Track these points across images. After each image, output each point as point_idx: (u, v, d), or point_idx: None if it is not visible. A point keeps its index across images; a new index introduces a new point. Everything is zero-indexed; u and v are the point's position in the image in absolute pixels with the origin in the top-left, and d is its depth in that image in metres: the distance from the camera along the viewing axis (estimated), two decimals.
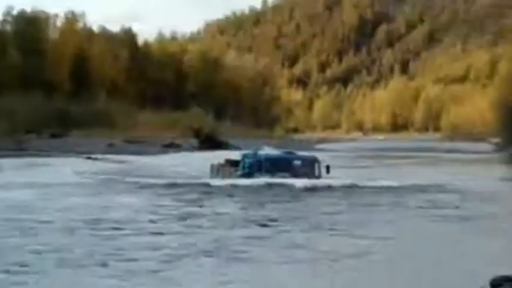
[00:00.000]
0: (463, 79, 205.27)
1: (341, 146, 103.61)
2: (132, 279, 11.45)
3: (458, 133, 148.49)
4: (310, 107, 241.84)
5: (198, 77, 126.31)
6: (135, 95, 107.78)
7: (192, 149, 72.50)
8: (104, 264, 12.55)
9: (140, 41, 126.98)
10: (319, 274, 12.23)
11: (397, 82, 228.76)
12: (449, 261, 13.59)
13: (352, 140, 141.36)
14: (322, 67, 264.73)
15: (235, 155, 34.02)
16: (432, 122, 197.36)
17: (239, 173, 29.97)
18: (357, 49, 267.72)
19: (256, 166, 29.33)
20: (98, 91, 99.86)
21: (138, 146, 68.84)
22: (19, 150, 57.05)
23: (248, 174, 29.25)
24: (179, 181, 30.24)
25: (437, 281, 11.94)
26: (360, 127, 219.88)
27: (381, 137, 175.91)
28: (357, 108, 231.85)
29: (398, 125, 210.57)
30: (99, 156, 54.28)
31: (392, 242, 15.92)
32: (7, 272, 11.78)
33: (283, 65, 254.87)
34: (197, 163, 44.71)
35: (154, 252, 13.68)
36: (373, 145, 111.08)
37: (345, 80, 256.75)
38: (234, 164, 31.30)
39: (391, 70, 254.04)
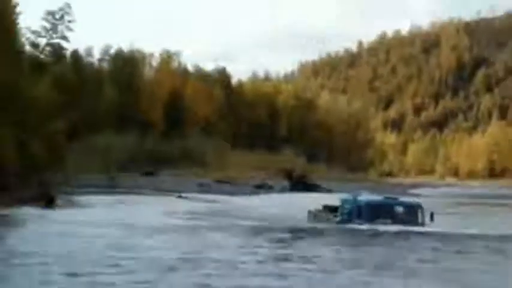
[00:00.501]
0: None
1: (435, 191, 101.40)
2: None
3: None
4: (404, 151, 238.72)
5: (291, 118, 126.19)
6: (227, 134, 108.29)
7: (283, 190, 72.14)
8: None
9: (234, 80, 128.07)
10: None
11: (495, 127, 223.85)
12: None
13: (447, 185, 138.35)
14: (418, 110, 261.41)
15: (333, 200, 33.32)
16: None
17: (338, 219, 28.94)
18: (454, 93, 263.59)
19: (356, 212, 28.10)
20: (191, 130, 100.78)
21: (229, 186, 68.91)
22: (111, 187, 57.85)
23: (347, 221, 28.13)
24: (276, 225, 29.68)
25: None
26: (455, 173, 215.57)
27: (475, 183, 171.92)
28: (452, 154, 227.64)
29: (495, 171, 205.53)
30: (189, 195, 54.48)
31: None
32: None
33: (377, 107, 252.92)
34: (290, 206, 44.29)
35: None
36: (468, 192, 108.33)
37: (440, 124, 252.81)
38: (332, 210, 30.30)
39: (489, 115, 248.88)
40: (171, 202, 47.61)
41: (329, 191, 73.30)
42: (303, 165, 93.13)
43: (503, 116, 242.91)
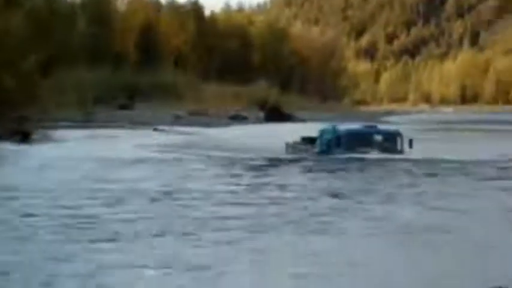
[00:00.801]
0: None
1: (409, 118, 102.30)
2: (216, 248, 11.54)
3: None
4: (377, 79, 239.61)
5: (264, 49, 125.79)
6: (201, 66, 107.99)
7: (257, 121, 72.51)
8: (188, 234, 12.59)
9: (206, 12, 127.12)
10: (398, 246, 12.10)
11: (466, 54, 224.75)
12: None
13: (420, 112, 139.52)
14: (390, 39, 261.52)
15: (308, 130, 33.53)
16: (502, 95, 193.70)
17: (317, 149, 28.71)
18: (426, 20, 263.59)
19: (334, 142, 27.78)
20: (165, 63, 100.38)
21: (204, 118, 69.14)
22: (87, 121, 57.82)
23: (326, 151, 27.90)
24: (253, 156, 29.69)
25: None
26: (427, 99, 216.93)
27: (449, 109, 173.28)
28: (424, 81, 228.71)
29: (466, 98, 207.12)
30: (165, 127, 54.68)
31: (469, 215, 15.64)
32: (94, 241, 11.93)
33: (350, 36, 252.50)
34: (266, 136, 44.61)
35: (236, 223, 13.78)
36: (441, 117, 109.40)
37: (412, 51, 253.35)
38: (310, 141, 30.01)
39: (461, 41, 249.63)
40: (147, 135, 47.80)
41: (303, 120, 73.81)
42: (276, 96, 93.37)
43: (474, 42, 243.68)
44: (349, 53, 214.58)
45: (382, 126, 31.68)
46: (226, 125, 64.17)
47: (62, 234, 12.46)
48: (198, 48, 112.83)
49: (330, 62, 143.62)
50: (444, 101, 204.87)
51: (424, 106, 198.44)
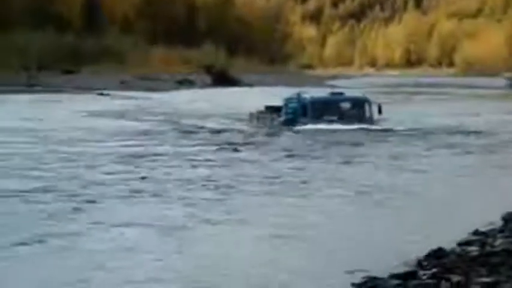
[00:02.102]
0: (477, 14, 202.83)
1: (354, 82, 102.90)
2: (191, 207, 11.94)
3: (472, 68, 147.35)
4: (323, 43, 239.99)
5: (210, 13, 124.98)
6: (146, 31, 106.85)
7: (204, 85, 72.29)
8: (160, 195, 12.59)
9: None
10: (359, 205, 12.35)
11: (410, 17, 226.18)
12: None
13: (365, 75, 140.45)
14: (335, 3, 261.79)
15: (258, 94, 33.49)
16: (446, 58, 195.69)
17: (282, 119, 27.88)
18: None
19: (300, 110, 27.07)
20: (110, 28, 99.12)
21: (150, 82, 68.69)
22: (30, 86, 57.01)
23: (292, 121, 27.14)
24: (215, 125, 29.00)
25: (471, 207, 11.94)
26: (372, 63, 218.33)
27: (393, 72, 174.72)
28: (370, 45, 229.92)
29: (411, 61, 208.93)
30: (111, 92, 54.23)
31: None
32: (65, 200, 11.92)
33: (296, 1, 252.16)
34: (216, 102, 44.58)
35: (207, 183, 14.18)
36: (386, 81, 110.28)
37: (358, 16, 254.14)
38: (275, 110, 29.11)
39: (405, 5, 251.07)
40: (92, 100, 47.33)
41: (250, 85, 73.89)
42: (223, 60, 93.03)
43: (418, 5, 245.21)
44: (295, 17, 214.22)
45: (349, 93, 30.90)
46: (173, 89, 63.90)
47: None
48: (144, 13, 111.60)
49: (276, 26, 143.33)
50: (389, 64, 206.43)
51: (369, 70, 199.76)
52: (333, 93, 29.33)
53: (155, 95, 53.56)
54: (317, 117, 26.60)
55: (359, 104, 27.80)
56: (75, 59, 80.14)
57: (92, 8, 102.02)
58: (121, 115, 33.64)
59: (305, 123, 26.45)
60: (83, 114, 33.73)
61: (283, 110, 28.16)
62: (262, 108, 30.44)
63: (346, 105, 27.68)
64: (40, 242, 9.70)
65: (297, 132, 25.69)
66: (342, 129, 25.43)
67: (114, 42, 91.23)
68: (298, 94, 28.27)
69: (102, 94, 52.68)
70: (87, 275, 8.45)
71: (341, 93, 29.78)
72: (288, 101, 28.26)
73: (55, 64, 73.88)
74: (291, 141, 23.63)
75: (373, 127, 26.12)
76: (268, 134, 25.69)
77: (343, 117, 26.80)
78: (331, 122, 26.37)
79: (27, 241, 9.66)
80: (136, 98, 49.46)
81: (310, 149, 21.25)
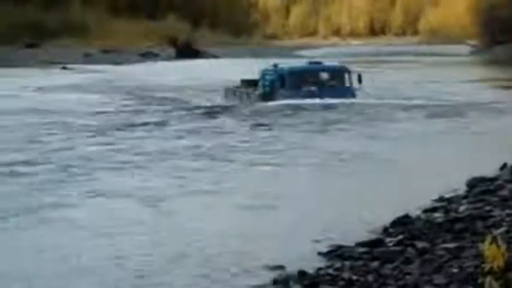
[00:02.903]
0: None
1: (321, 51, 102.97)
2: (176, 175, 12.36)
3: (436, 36, 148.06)
4: (287, 13, 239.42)
5: None
6: (109, 3, 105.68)
7: (169, 58, 71.95)
8: (133, 167, 13.16)
9: None
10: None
11: None
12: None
13: (331, 45, 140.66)
14: None
15: (224, 66, 33.32)
16: (410, 26, 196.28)
17: (259, 92, 26.90)
18: None
19: (278, 82, 26.14)
20: (72, 0, 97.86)
21: (114, 55, 68.22)
22: None
23: (270, 93, 26.20)
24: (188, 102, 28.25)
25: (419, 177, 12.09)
26: (337, 33, 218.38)
27: (358, 41, 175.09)
28: (334, 14, 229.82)
29: (375, 30, 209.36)
30: (75, 66, 53.79)
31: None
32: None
33: None
34: (184, 73, 44.46)
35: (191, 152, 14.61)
36: (352, 50, 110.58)
37: None
38: (251, 83, 28.11)
39: None
40: (55, 74, 46.90)
41: (216, 56, 73.72)
42: (187, 32, 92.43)
43: None
44: None
45: (328, 63, 29.65)
46: (138, 62, 63.55)
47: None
48: None
49: None
50: (354, 33, 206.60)
51: (334, 39, 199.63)
52: (311, 63, 28.69)
53: (120, 68, 53.30)
54: (296, 88, 25.89)
55: (339, 73, 27.01)
56: (37, 33, 79.13)
57: None
58: (86, 89, 33.41)
59: (284, 95, 25.72)
60: (46, 89, 33.44)
61: (260, 83, 27.22)
62: (235, 81, 29.52)
63: (325, 75, 26.82)
64: (22, 214, 9.85)
65: (275, 107, 24.86)
66: (319, 104, 24.79)
67: (77, 15, 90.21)
68: (275, 65, 27.33)
69: (65, 68, 52.25)
70: (65, 246, 8.66)
71: (319, 63, 28.82)
72: (264, 73, 27.35)
73: (16, 38, 72.91)
74: (268, 115, 23.12)
75: (349, 100, 25.34)
76: (245, 109, 25.02)
77: (322, 86, 26.09)
78: (310, 93, 25.61)
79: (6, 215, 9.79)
80: (100, 72, 49.12)
81: (286, 122, 21.23)
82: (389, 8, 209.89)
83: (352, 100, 25.43)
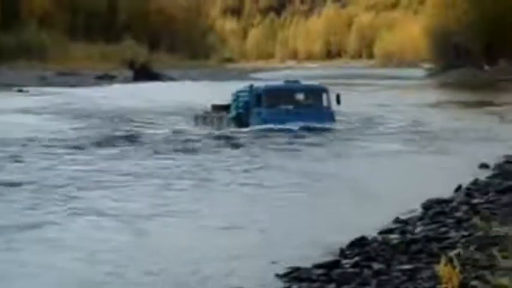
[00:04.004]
0: (394, 5, 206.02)
1: (276, 74, 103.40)
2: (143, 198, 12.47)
3: (391, 59, 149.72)
4: (244, 36, 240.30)
5: (130, 7, 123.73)
6: (66, 26, 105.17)
7: (126, 80, 71.68)
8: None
9: None
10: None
11: (330, 10, 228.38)
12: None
13: (287, 68, 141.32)
14: None
15: (181, 88, 33.15)
16: (365, 49, 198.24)
17: (232, 114, 26.00)
18: None
19: (254, 101, 25.14)
20: (28, 22, 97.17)
21: (71, 78, 67.79)
22: None
23: (244, 115, 25.30)
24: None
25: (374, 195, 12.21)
26: (294, 56, 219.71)
27: (314, 64, 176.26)
28: (290, 37, 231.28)
29: (331, 53, 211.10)
30: (31, 89, 53.28)
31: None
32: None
33: None
34: (139, 95, 44.25)
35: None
36: (308, 73, 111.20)
37: (278, 9, 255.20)
38: (223, 108, 27.15)
39: None
40: (10, 97, 46.39)
41: (173, 79, 73.69)
42: (145, 55, 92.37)
43: None
44: (216, 11, 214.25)
45: (306, 82, 28.68)
46: (94, 85, 63.23)
47: None
48: (64, 7, 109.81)
49: (197, 20, 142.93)
50: (310, 57, 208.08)
51: (291, 62, 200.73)
52: (287, 81, 27.69)
53: (76, 91, 52.93)
54: (272, 107, 24.89)
55: (316, 93, 26.09)
56: None
57: (8, 2, 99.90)
58: (41, 112, 33.07)
59: (259, 114, 24.77)
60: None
61: (233, 105, 26.28)
62: (208, 108, 28.31)
63: (302, 94, 25.93)
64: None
65: (248, 132, 23.95)
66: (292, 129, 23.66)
67: (33, 38, 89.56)
68: (251, 85, 26.34)
69: (21, 91, 51.74)
70: (39, 265, 8.78)
71: (297, 82, 27.74)
72: (238, 94, 26.48)
73: None
74: (241, 140, 22.32)
75: (324, 125, 24.34)
76: (217, 135, 23.79)
77: (298, 106, 25.20)
78: (287, 112, 24.60)
79: None
80: (56, 94, 48.73)
81: (258, 145, 21.07)
82: (345, 31, 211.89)
83: (327, 125, 24.55)
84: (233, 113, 26.07)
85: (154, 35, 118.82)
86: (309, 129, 23.60)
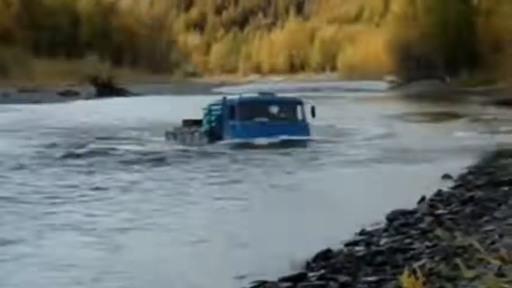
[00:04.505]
0: (356, 18, 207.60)
1: (239, 89, 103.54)
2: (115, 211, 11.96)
3: (354, 72, 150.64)
4: (207, 51, 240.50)
5: (93, 23, 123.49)
6: (28, 43, 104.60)
7: (90, 96, 71.34)
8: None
9: None
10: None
11: (292, 23, 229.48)
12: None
13: (250, 82, 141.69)
14: (218, 10, 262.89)
15: (145, 103, 32.97)
16: (328, 62, 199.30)
17: (205, 128, 25.55)
18: None
19: (228, 113, 24.67)
20: None
21: (34, 94, 67.32)
22: None
23: (217, 128, 24.87)
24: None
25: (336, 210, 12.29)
26: (257, 70, 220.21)
27: (278, 78, 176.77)
28: (254, 51, 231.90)
29: (295, 66, 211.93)
30: None
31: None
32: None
33: (179, 9, 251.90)
34: (103, 111, 44.01)
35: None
36: (271, 87, 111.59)
37: (241, 22, 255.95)
38: (194, 123, 26.72)
39: (287, 12, 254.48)
40: None
41: (136, 94, 73.54)
42: (108, 71, 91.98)
43: (299, 11, 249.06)
44: (179, 25, 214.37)
45: (280, 95, 28.40)
46: (58, 101, 62.80)
47: None
48: (26, 24, 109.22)
49: (160, 35, 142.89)
50: (274, 70, 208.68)
51: (255, 76, 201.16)
52: (262, 93, 27.61)
53: (39, 107, 52.53)
54: (246, 119, 24.54)
55: (290, 105, 25.94)
56: None
57: None
58: (2, 130, 32.73)
59: (233, 127, 24.40)
60: None
61: (206, 119, 25.91)
62: (179, 124, 27.69)
63: (276, 106, 25.74)
64: None
65: (221, 146, 23.63)
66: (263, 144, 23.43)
67: None
68: (224, 98, 25.95)
69: None
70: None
71: (271, 94, 27.81)
72: (210, 108, 26.06)
73: None
74: (212, 153, 22.08)
75: (298, 137, 24.03)
76: (188, 150, 23.25)
77: (273, 119, 25.04)
78: (261, 125, 24.42)
79: None
80: (18, 111, 48.34)
81: (230, 159, 20.96)
82: (308, 44, 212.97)
83: (303, 138, 24.36)
84: (206, 126, 25.70)
85: (117, 50, 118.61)
86: (284, 143, 23.36)
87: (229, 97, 26.07)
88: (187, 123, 27.23)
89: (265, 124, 24.57)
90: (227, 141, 24.28)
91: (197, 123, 26.60)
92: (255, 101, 25.87)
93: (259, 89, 44.39)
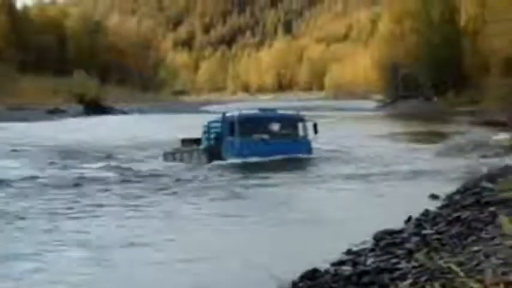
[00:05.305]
0: (344, 38, 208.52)
1: (227, 107, 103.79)
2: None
3: (341, 91, 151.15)
4: (195, 69, 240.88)
5: (80, 42, 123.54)
6: (15, 61, 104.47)
7: (77, 114, 71.31)
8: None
9: (19, 5, 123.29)
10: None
11: (280, 42, 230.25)
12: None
13: (238, 101, 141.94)
14: (206, 29, 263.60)
15: (131, 122, 32.98)
16: (316, 81, 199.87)
17: (204, 146, 25.19)
18: (241, 10, 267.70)
19: (227, 130, 24.31)
20: None
21: (21, 112, 67.24)
22: None
23: (217, 146, 24.43)
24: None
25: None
26: (245, 88, 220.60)
27: (266, 97, 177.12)
28: (242, 70, 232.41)
29: (283, 85, 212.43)
30: None
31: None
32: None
33: (167, 27, 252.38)
34: (91, 129, 43.91)
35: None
36: (262, 105, 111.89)
37: (229, 41, 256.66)
38: (193, 142, 26.36)
39: (275, 30, 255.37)
40: None
41: (124, 112, 73.53)
42: (95, 89, 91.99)
43: (287, 30, 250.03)
44: (167, 44, 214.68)
45: (281, 111, 27.60)
46: (45, 119, 62.74)
47: None
48: (13, 42, 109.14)
49: (147, 53, 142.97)
50: (262, 89, 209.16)
51: (243, 95, 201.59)
52: (262, 109, 26.87)
53: (27, 126, 52.43)
54: (246, 135, 24.09)
55: (291, 122, 25.56)
56: None
57: None
58: None
59: (233, 144, 24.02)
60: None
61: (204, 136, 25.51)
62: (177, 144, 27.23)
63: (277, 123, 25.31)
64: None
65: (220, 166, 23.14)
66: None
67: None
68: (223, 114, 25.33)
69: None
70: None
71: (272, 110, 27.01)
72: (209, 125, 25.67)
73: None
74: (212, 175, 21.45)
75: (297, 156, 23.77)
76: (188, 172, 22.51)
77: (273, 135, 24.62)
78: (262, 142, 24.03)
79: None
80: (5, 129, 48.20)
81: (229, 177, 20.91)
82: (296, 63, 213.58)
83: (304, 155, 24.12)
84: (205, 144, 25.24)
85: (105, 69, 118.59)
86: (285, 160, 23.06)
87: (228, 113, 25.39)
88: (186, 141, 26.80)
89: (266, 141, 24.19)
90: (226, 160, 23.83)
91: (196, 141, 26.18)
92: (255, 118, 25.21)
93: (246, 107, 44.37)
